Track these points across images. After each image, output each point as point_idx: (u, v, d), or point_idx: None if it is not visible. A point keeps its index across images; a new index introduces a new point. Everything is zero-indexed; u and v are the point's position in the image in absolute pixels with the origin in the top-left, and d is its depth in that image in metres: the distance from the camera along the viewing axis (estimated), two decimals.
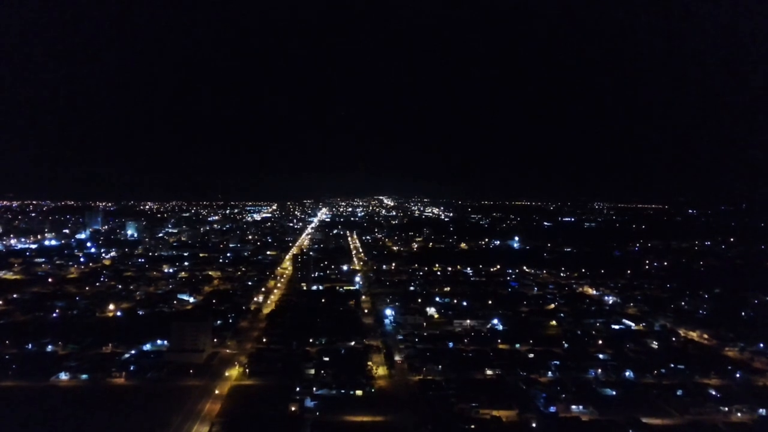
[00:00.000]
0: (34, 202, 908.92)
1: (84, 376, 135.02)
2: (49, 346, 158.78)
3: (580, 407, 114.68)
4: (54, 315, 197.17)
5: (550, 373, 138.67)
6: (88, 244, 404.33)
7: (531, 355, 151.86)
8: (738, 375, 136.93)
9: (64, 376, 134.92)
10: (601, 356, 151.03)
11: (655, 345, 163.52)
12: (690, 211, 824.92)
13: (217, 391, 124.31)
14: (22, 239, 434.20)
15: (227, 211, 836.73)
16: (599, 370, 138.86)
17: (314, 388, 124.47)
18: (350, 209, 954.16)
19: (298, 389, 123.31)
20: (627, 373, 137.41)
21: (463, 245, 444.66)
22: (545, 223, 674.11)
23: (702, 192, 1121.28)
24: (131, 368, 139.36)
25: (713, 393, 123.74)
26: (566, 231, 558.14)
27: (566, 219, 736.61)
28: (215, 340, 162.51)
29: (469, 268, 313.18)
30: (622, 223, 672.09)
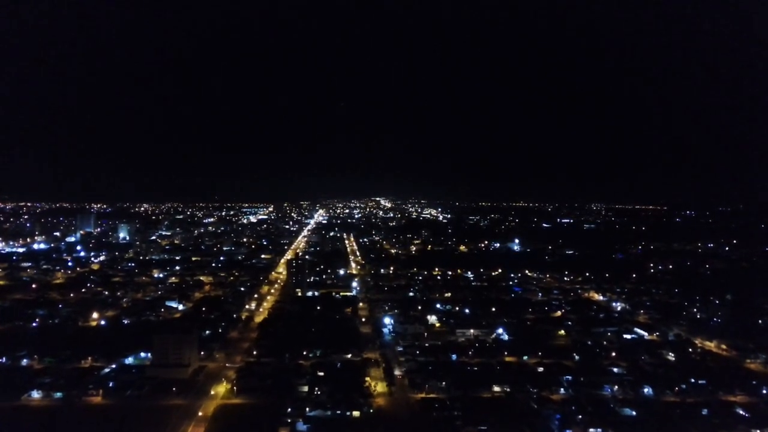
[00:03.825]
0: (28, 204, 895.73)
1: (58, 395, 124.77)
2: (25, 360, 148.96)
3: (599, 430, 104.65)
4: (34, 324, 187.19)
5: (562, 389, 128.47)
6: (78, 248, 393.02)
7: (540, 369, 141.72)
8: (765, 391, 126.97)
9: (36, 394, 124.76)
10: (615, 370, 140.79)
11: (671, 357, 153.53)
12: (688, 212, 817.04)
13: (200, 413, 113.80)
14: (11, 242, 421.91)
15: (223, 213, 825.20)
16: (615, 387, 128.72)
17: (307, 408, 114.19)
18: (347, 211, 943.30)
19: (289, 410, 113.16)
20: (645, 390, 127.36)
21: (462, 248, 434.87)
22: (544, 225, 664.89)
23: (699, 193, 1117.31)
24: (110, 385, 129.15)
25: (741, 412, 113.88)
26: (566, 233, 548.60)
27: (565, 220, 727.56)
28: (202, 352, 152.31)
29: (469, 272, 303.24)
30: (621, 225, 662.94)
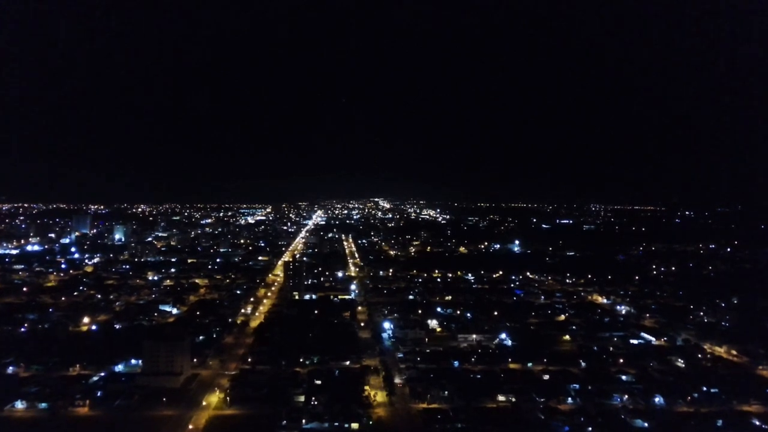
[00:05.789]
0: (24, 204, 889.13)
1: (43, 405, 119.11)
2: (11, 367, 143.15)
3: None
4: (23, 329, 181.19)
5: (569, 399, 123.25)
6: (73, 249, 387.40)
7: (546, 377, 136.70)
8: None
9: (20, 404, 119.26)
10: (624, 378, 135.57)
11: (681, 363, 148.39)
12: (688, 212, 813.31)
13: (191, 425, 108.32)
14: (4, 244, 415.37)
15: (221, 214, 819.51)
16: (625, 396, 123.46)
17: (303, 420, 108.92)
18: (346, 212, 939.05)
19: (285, 422, 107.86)
20: (656, 399, 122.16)
21: (462, 249, 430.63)
22: (543, 226, 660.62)
23: (697, 193, 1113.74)
24: (98, 395, 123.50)
25: (757, 423, 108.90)
26: (566, 234, 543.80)
27: (564, 221, 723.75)
28: (195, 359, 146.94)
29: (470, 274, 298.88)
30: (621, 226, 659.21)
